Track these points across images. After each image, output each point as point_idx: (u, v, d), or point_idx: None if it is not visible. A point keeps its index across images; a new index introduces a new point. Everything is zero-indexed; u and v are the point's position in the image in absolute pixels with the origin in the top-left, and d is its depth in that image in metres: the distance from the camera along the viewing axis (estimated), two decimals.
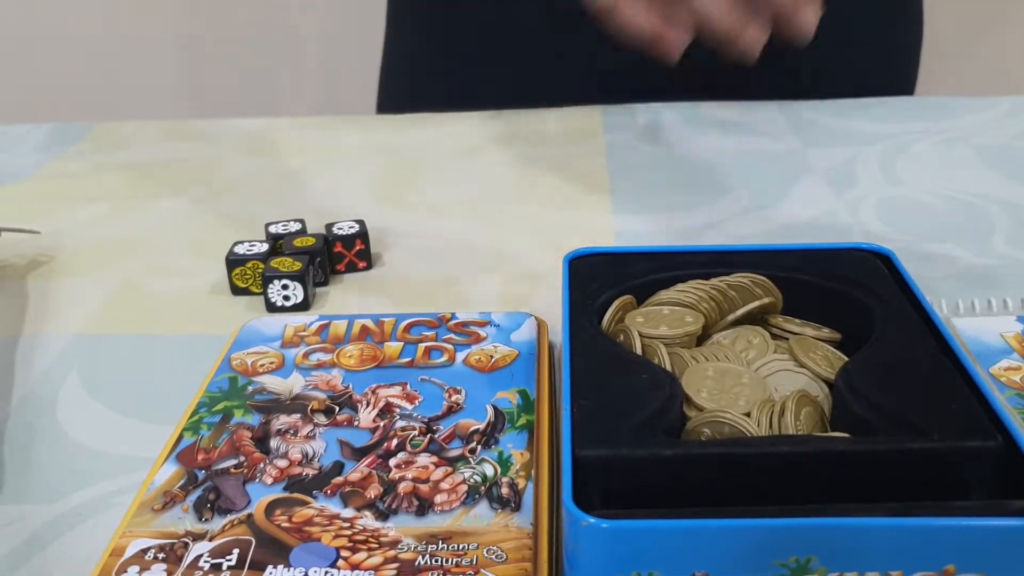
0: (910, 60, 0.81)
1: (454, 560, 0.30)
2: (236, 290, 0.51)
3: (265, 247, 0.51)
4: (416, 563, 0.30)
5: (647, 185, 0.62)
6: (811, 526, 0.27)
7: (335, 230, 0.53)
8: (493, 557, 0.30)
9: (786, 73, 0.76)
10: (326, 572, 0.30)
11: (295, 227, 0.53)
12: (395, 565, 0.30)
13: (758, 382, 0.36)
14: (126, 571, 0.30)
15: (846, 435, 0.32)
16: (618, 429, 0.31)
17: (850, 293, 0.39)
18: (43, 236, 0.58)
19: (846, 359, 0.36)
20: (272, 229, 0.53)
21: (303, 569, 0.30)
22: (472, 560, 0.30)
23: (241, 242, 0.51)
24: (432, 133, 0.71)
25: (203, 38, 1.48)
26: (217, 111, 1.47)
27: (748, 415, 0.34)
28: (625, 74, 0.75)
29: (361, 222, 0.53)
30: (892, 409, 0.32)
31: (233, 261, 0.50)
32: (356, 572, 0.30)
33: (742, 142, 0.68)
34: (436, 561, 0.30)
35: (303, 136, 0.72)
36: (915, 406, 0.32)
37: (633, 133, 0.70)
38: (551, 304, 0.48)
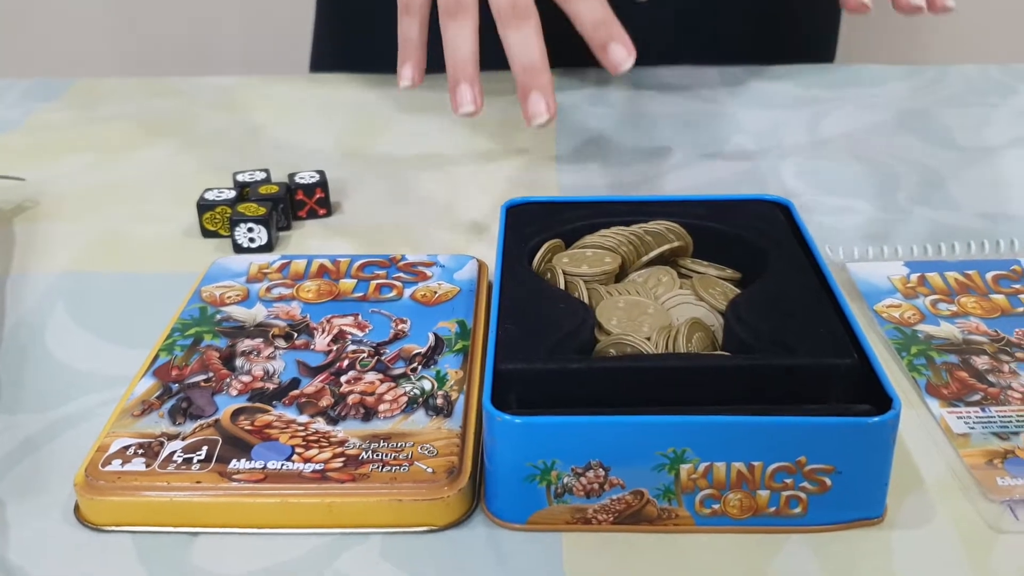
0: (829, 28, 0.86)
1: (392, 455, 0.36)
2: (206, 233, 0.55)
3: (233, 194, 0.56)
4: (360, 457, 0.36)
5: (591, 143, 0.67)
6: (684, 423, 0.33)
7: (297, 179, 0.57)
8: (426, 452, 0.36)
9: (719, 39, 0.81)
10: (282, 464, 0.35)
11: (260, 176, 0.58)
12: (342, 459, 0.35)
13: (661, 312, 0.41)
14: (110, 463, 0.36)
15: (727, 353, 0.38)
16: (535, 347, 0.37)
17: (749, 238, 0.45)
18: (28, 184, 0.62)
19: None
20: (239, 178, 0.58)
21: (263, 462, 0.35)
22: (408, 455, 0.36)
23: (211, 189, 0.56)
24: (391, 92, 0.76)
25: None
26: (147, 69, 1.51)
27: (648, 339, 0.39)
28: (575, 37, 0.79)
29: (321, 172, 0.58)
30: (769, 333, 0.37)
31: (203, 206, 0.55)
32: (308, 464, 0.35)
33: (682, 104, 0.73)
34: (377, 456, 0.36)
35: (271, 93, 0.77)
36: (789, 331, 0.37)
37: (581, 95, 0.75)
38: (494, 249, 0.53)
